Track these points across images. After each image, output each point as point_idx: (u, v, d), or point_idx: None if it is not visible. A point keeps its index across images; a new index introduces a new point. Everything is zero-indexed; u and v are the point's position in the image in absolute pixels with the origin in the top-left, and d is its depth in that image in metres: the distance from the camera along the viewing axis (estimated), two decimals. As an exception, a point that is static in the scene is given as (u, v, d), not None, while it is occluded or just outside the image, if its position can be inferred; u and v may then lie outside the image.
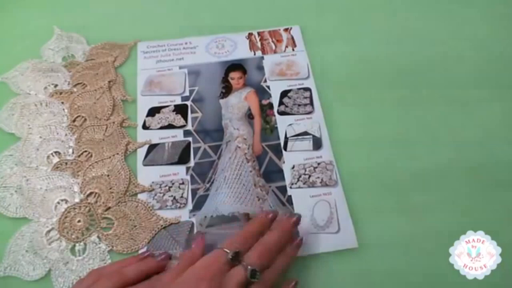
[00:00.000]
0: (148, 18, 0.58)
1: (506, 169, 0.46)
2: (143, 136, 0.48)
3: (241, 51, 0.55)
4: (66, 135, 0.47)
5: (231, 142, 0.48)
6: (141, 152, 0.47)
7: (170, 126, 0.48)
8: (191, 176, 0.45)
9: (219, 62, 0.53)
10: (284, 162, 0.46)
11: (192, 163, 0.46)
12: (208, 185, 0.45)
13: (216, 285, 0.32)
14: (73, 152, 0.46)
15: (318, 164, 0.46)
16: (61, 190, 0.43)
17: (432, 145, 0.48)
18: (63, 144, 0.46)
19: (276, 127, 0.49)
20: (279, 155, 0.47)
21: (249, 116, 0.50)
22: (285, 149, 0.47)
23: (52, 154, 0.46)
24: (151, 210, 0.43)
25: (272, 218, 0.39)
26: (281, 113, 0.50)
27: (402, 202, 0.44)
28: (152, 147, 0.47)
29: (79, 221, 0.42)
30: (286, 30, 0.57)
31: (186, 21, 0.58)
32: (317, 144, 0.47)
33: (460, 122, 0.50)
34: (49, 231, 0.41)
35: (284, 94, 0.51)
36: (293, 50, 0.55)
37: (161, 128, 0.48)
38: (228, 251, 0.34)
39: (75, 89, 0.51)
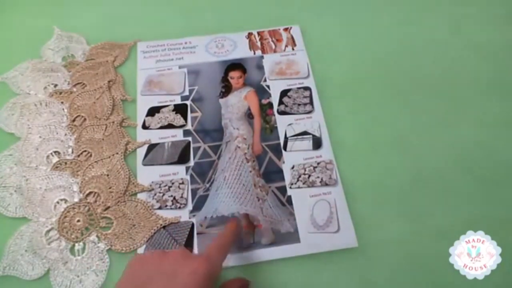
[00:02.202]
0: (148, 18, 0.58)
1: (505, 169, 0.46)
2: (142, 135, 0.48)
3: (241, 50, 0.54)
4: (65, 134, 0.47)
5: (231, 142, 0.47)
6: (141, 151, 0.47)
7: (169, 126, 0.48)
8: (191, 176, 0.45)
9: (219, 62, 0.53)
10: (284, 162, 0.46)
11: (192, 163, 0.46)
12: (208, 185, 0.45)
13: None
14: (72, 152, 0.46)
15: (318, 163, 0.46)
16: (60, 190, 0.43)
17: (432, 145, 0.48)
18: (63, 143, 0.46)
19: (276, 127, 0.49)
20: (279, 155, 0.47)
21: (249, 115, 0.50)
22: (285, 149, 0.47)
23: (51, 153, 0.46)
24: (150, 209, 0.43)
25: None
26: (281, 112, 0.50)
27: (402, 202, 0.44)
28: (151, 146, 0.47)
29: (78, 220, 0.42)
30: (286, 29, 0.57)
31: (186, 21, 0.58)
32: (317, 143, 0.47)
33: (460, 122, 0.50)
34: (48, 231, 0.41)
35: (284, 93, 0.51)
36: (293, 49, 0.55)
37: (161, 127, 0.48)
38: None
39: (74, 89, 0.51)
